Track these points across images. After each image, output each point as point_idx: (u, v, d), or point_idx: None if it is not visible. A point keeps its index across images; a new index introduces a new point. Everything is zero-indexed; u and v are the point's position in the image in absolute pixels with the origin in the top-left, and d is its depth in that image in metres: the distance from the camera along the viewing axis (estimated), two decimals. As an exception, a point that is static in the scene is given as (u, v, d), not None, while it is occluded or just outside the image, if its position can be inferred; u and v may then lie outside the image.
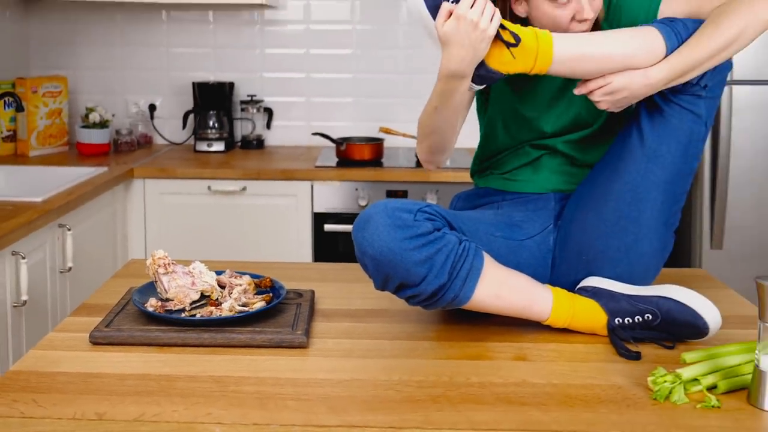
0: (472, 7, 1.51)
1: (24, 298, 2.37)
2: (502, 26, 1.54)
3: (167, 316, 1.60)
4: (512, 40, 1.54)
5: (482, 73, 1.58)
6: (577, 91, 1.62)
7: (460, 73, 1.57)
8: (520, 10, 1.71)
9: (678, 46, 1.56)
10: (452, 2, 1.53)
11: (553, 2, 1.64)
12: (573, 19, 1.64)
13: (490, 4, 1.53)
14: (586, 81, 1.59)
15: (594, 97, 1.59)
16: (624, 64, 1.55)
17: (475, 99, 1.89)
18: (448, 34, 1.53)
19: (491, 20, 1.52)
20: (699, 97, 1.60)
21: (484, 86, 1.65)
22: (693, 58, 1.54)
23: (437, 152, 1.80)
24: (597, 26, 1.71)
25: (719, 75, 1.61)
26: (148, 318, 1.62)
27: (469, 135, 1.91)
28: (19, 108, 3.23)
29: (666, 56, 1.56)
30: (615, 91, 1.56)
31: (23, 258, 2.35)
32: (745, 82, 3.00)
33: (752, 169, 3.05)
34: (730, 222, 3.06)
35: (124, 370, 1.43)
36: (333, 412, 1.28)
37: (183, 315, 1.62)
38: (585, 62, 1.56)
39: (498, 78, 1.60)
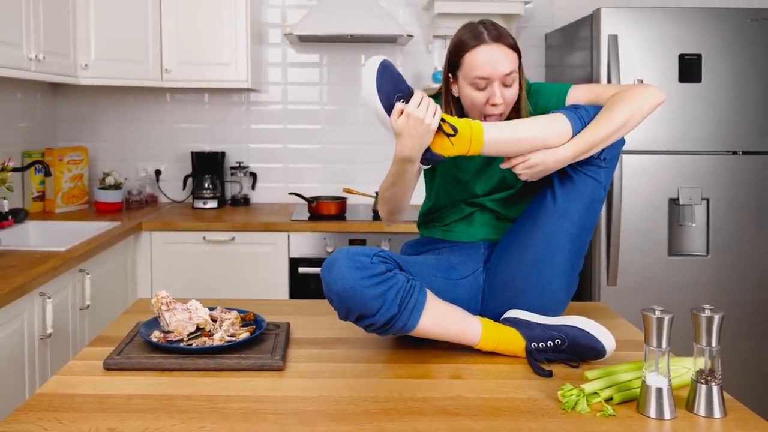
0: (418, 106, 1.54)
1: (49, 331, 2.32)
2: (443, 119, 1.57)
3: (168, 345, 1.58)
4: (451, 131, 1.56)
5: (428, 156, 1.61)
6: (503, 166, 1.64)
7: (411, 159, 1.60)
8: (455, 89, 1.76)
9: (582, 129, 1.60)
10: (403, 102, 1.56)
11: (472, 87, 1.69)
12: (487, 102, 1.69)
13: (433, 103, 1.56)
14: (510, 158, 1.62)
15: (516, 170, 1.62)
16: (539, 145, 1.58)
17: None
18: (400, 128, 1.56)
19: (434, 116, 1.55)
20: (600, 167, 1.63)
21: (430, 166, 1.67)
22: (593, 139, 1.58)
23: (395, 213, 1.82)
24: (520, 109, 1.75)
25: (615, 150, 1.65)
26: (153, 347, 1.60)
27: (414, 194, 1.92)
28: (48, 173, 3.19)
29: (572, 137, 1.59)
30: (532, 166, 1.59)
31: (49, 298, 2.31)
32: (633, 152, 3.07)
33: (639, 222, 3.10)
34: (622, 264, 3.09)
35: (132, 391, 1.41)
36: (304, 423, 1.27)
37: (181, 344, 1.60)
38: (509, 145, 1.59)
39: (441, 160, 1.62)
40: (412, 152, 1.58)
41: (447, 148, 1.59)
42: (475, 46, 1.68)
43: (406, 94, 1.58)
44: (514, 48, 1.70)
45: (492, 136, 1.58)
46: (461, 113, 1.79)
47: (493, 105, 1.69)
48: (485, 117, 1.71)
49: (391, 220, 1.85)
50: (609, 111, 1.61)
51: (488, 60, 1.66)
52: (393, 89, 1.57)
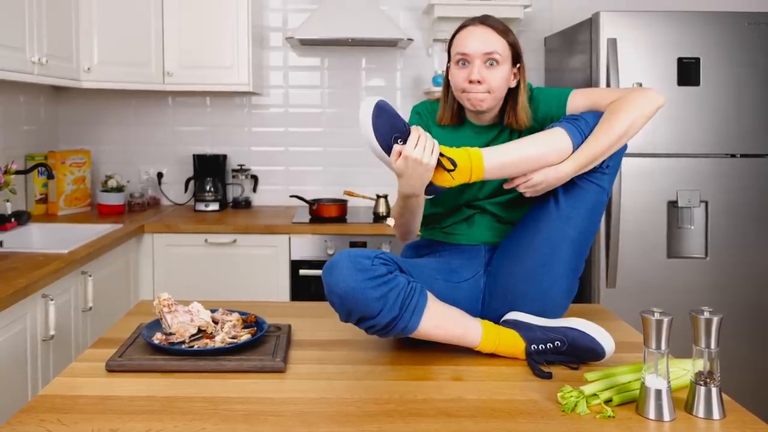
0: (415, 146, 1.55)
1: (52, 333, 2.32)
2: (441, 154, 1.57)
3: (170, 347, 1.58)
4: (450, 166, 1.57)
5: (431, 189, 1.63)
6: (506, 186, 1.66)
7: (413, 194, 1.63)
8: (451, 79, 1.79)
9: (582, 142, 1.60)
10: (401, 142, 1.56)
11: (455, 65, 1.75)
12: (466, 79, 1.72)
13: (430, 139, 1.56)
14: (512, 178, 1.63)
15: (519, 189, 1.63)
16: (540, 164, 1.59)
17: None
18: (400, 169, 1.57)
19: (432, 153, 1.55)
20: (603, 173, 1.64)
21: (433, 196, 1.69)
22: (594, 152, 1.59)
23: (408, 234, 1.85)
24: (518, 111, 1.76)
25: (617, 157, 1.66)
26: (155, 349, 1.60)
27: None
28: (50, 176, 3.20)
29: (573, 151, 1.60)
30: (535, 185, 1.61)
31: (51, 300, 2.31)
32: (632, 155, 3.07)
33: (639, 224, 3.10)
34: (621, 266, 3.09)
35: (134, 393, 1.41)
36: (305, 425, 1.27)
37: (183, 346, 1.60)
38: (510, 167, 1.60)
39: (444, 191, 1.65)
40: (414, 190, 1.61)
41: (448, 180, 1.60)
42: (462, 27, 1.76)
43: (404, 133, 1.58)
44: (504, 34, 1.73)
45: (491, 162, 1.59)
46: (459, 105, 1.81)
47: (470, 82, 1.70)
48: (467, 99, 1.73)
49: (405, 239, 1.89)
50: (608, 121, 1.60)
51: (469, 38, 1.72)
52: (390, 130, 1.57)
